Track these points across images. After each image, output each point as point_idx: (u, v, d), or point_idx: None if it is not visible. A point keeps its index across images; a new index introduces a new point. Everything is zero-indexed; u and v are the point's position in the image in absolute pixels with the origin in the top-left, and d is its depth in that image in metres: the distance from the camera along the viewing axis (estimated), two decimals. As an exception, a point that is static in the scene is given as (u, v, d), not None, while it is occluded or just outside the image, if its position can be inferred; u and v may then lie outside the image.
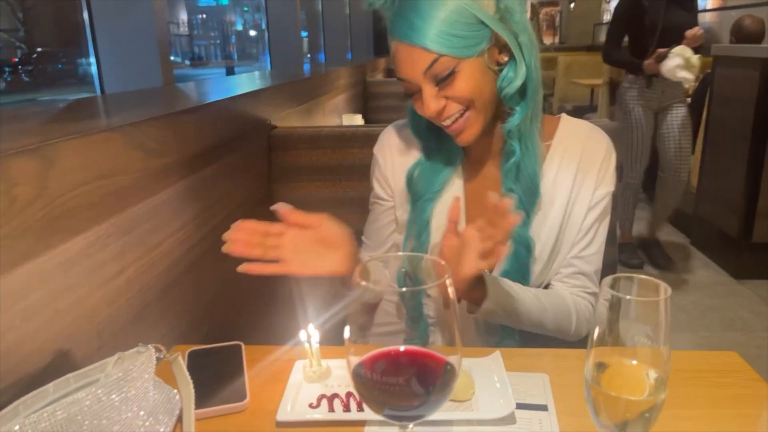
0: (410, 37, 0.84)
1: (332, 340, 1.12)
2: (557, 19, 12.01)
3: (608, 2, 10.01)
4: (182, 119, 0.99)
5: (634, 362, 0.49)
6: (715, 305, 2.83)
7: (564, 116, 1.01)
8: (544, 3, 12.32)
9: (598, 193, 0.98)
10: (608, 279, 0.49)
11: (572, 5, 10.56)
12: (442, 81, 0.86)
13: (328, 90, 2.39)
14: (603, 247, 1.01)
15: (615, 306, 0.48)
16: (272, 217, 1.43)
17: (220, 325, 1.14)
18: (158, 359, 0.74)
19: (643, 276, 0.48)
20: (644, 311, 0.47)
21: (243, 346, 0.91)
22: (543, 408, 0.76)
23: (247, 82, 2.03)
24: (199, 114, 1.08)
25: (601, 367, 0.50)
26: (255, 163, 1.38)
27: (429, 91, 0.87)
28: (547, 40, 11.98)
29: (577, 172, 0.97)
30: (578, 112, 5.03)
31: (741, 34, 3.64)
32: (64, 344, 0.69)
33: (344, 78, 2.79)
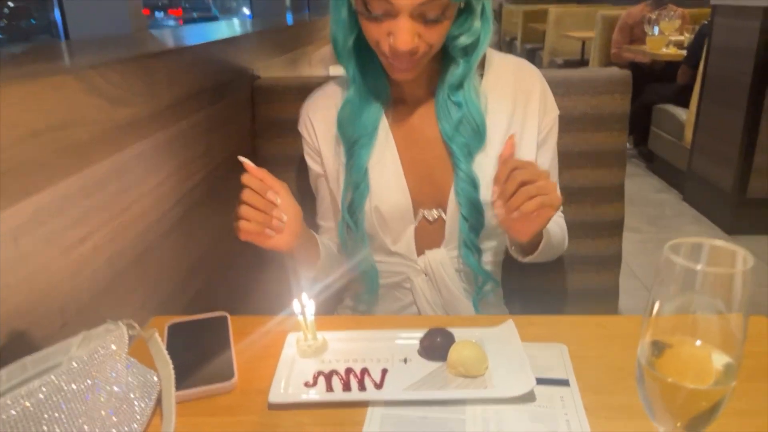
0: None
1: (327, 310, 1.05)
2: (546, -30, 11.66)
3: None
4: (151, 65, 0.87)
5: (699, 343, 0.41)
6: (709, 261, 2.79)
7: (489, 50, 0.95)
8: (533, -47, 11.92)
9: (545, 123, 0.98)
10: (672, 243, 0.40)
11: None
12: (427, 21, 0.80)
13: (313, 40, 2.24)
14: (556, 163, 1.04)
15: (679, 276, 0.39)
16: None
17: (204, 293, 1.05)
18: (131, 337, 0.65)
19: (717, 241, 0.40)
20: (716, 284, 0.39)
21: (229, 318, 0.82)
22: (564, 383, 0.69)
23: (226, 29, 1.88)
24: (171, 59, 0.96)
25: (658, 347, 0.42)
26: (237, 116, 1.26)
27: (409, 25, 0.79)
28: (536, -8, 11.66)
29: (515, 108, 0.95)
30: (570, 66, 4.92)
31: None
32: (19, 324, 0.60)
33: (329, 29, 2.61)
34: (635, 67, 4.18)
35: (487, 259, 1.02)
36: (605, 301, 1.35)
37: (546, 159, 1.00)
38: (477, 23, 0.86)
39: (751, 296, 0.37)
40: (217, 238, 1.14)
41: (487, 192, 0.92)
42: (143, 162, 0.84)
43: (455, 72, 0.89)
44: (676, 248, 0.40)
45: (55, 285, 0.65)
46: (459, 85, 0.90)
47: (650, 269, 2.63)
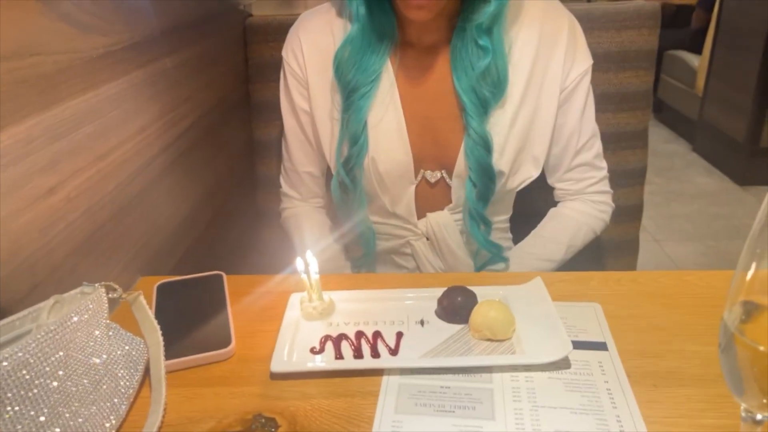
0: None
1: (332, 270, 0.96)
2: None
3: None
4: (129, -10, 0.76)
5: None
6: (720, 213, 2.72)
7: None
8: None
9: (572, 77, 0.86)
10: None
11: None
12: None
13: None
14: (595, 123, 0.92)
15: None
16: (251, 122, 1.23)
17: (197, 250, 0.97)
18: (113, 300, 0.57)
19: None
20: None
21: (225, 277, 0.74)
22: (602, 347, 0.61)
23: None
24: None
25: (750, 308, 0.34)
26: (227, 57, 1.15)
27: None
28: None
29: (538, 55, 0.83)
30: None
31: None
32: (-21, 286, 0.52)
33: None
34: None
35: (496, 226, 0.94)
36: (625, 255, 1.28)
37: (574, 116, 0.88)
38: None
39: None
40: (210, 191, 1.04)
41: (500, 156, 0.82)
42: (122, 103, 0.74)
43: (486, 11, 0.76)
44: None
45: (21, 242, 0.56)
46: (488, 29, 0.78)
47: (661, 222, 2.56)
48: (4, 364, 0.43)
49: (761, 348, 0.34)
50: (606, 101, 1.15)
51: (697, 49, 3.43)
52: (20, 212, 0.56)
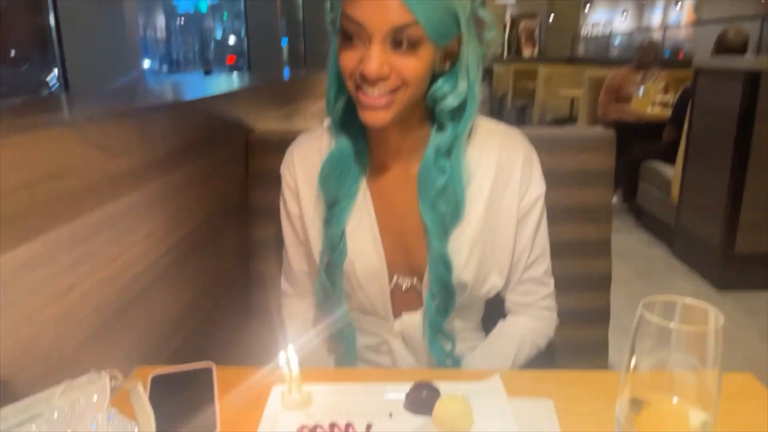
0: None
1: (318, 362, 1.04)
2: (536, 31, 12.12)
3: (586, 16, 10.12)
4: (149, 118, 0.89)
5: (676, 400, 0.42)
6: (700, 317, 2.79)
7: (479, 117, 0.94)
8: (524, 15, 12.41)
9: (526, 201, 0.95)
10: (646, 301, 0.41)
11: (551, 18, 10.65)
12: (399, 48, 0.79)
13: (309, 95, 2.30)
14: (547, 243, 1.01)
15: (654, 334, 0.40)
16: (249, 225, 1.34)
17: (190, 343, 1.04)
18: (114, 387, 0.65)
19: (688, 299, 0.41)
20: (690, 341, 0.40)
21: (214, 369, 0.82)
22: (550, 440, 0.68)
23: (223, 83, 1.94)
24: (169, 112, 0.99)
25: (636, 404, 0.43)
26: (231, 168, 1.28)
27: (380, 50, 0.79)
28: (527, 52, 12.08)
29: (497, 181, 0.93)
30: (558, 123, 5.07)
31: (724, 46, 3.66)
32: (2, 372, 0.59)
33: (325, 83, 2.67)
34: (623, 125, 4.30)
35: (467, 326, 1.02)
36: (595, 356, 1.35)
37: (526, 235, 0.97)
38: (463, 84, 0.86)
39: (723, 354, 0.38)
40: (205, 288, 1.14)
41: (461, 272, 0.91)
42: (135, 212, 0.85)
43: (443, 138, 0.88)
44: (650, 306, 0.41)
45: (39, 333, 0.65)
46: (447, 152, 0.88)
47: (641, 324, 2.62)
48: (21, 440, 0.50)
49: (648, 435, 0.43)
50: (571, 214, 1.27)
51: (671, 160, 3.66)
52: (43, 308, 0.65)
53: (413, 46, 0.79)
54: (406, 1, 0.76)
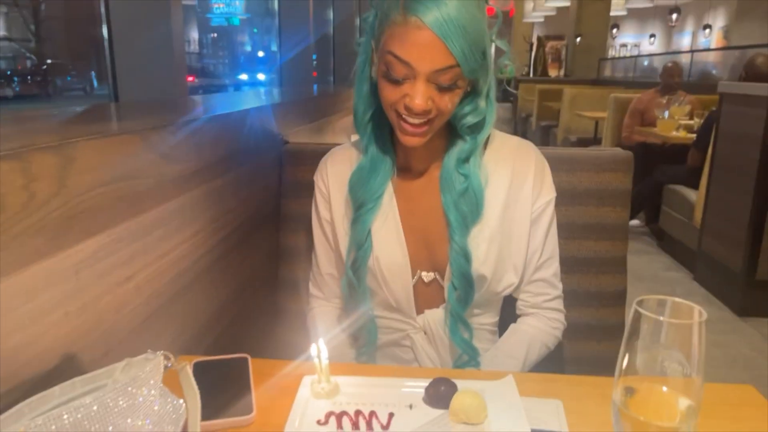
0: (445, 31, 0.83)
1: (339, 356, 1.11)
2: (563, 52, 12.17)
3: (614, 38, 10.12)
4: (200, 128, 0.98)
5: (665, 389, 0.48)
6: (718, 342, 2.80)
7: (493, 130, 1.04)
8: (550, 37, 12.49)
9: (538, 204, 1.03)
10: (640, 300, 0.47)
11: (578, 39, 10.70)
12: (441, 88, 0.89)
13: (338, 110, 2.39)
14: (556, 247, 1.08)
15: (646, 329, 0.46)
16: (279, 231, 1.42)
17: (225, 336, 1.12)
18: (165, 367, 0.72)
19: (676, 299, 0.47)
20: (677, 335, 0.46)
21: (250, 359, 0.89)
22: (558, 435, 0.74)
23: (261, 97, 2.04)
24: (216, 124, 1.08)
25: (630, 391, 0.49)
26: (266, 176, 1.37)
27: (425, 88, 0.88)
28: (553, 73, 12.13)
29: (511, 185, 1.02)
30: (582, 144, 5.07)
31: (752, 72, 3.67)
32: (71, 348, 0.68)
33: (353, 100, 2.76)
34: (646, 148, 4.31)
35: (484, 322, 1.08)
36: (608, 370, 1.39)
37: (538, 237, 1.05)
38: (483, 104, 0.96)
39: (706, 348, 0.44)
40: (241, 287, 1.22)
41: (480, 265, 0.99)
42: (183, 213, 0.94)
43: (464, 147, 0.98)
44: (643, 303, 0.47)
45: (102, 317, 0.73)
46: (466, 159, 0.98)
47: (658, 346, 2.63)
48: (94, 407, 0.58)
49: (641, 418, 0.48)
50: (588, 231, 1.33)
51: (695, 185, 3.66)
52: (104, 295, 0.73)
53: (453, 86, 0.89)
54: (449, 47, 0.84)
